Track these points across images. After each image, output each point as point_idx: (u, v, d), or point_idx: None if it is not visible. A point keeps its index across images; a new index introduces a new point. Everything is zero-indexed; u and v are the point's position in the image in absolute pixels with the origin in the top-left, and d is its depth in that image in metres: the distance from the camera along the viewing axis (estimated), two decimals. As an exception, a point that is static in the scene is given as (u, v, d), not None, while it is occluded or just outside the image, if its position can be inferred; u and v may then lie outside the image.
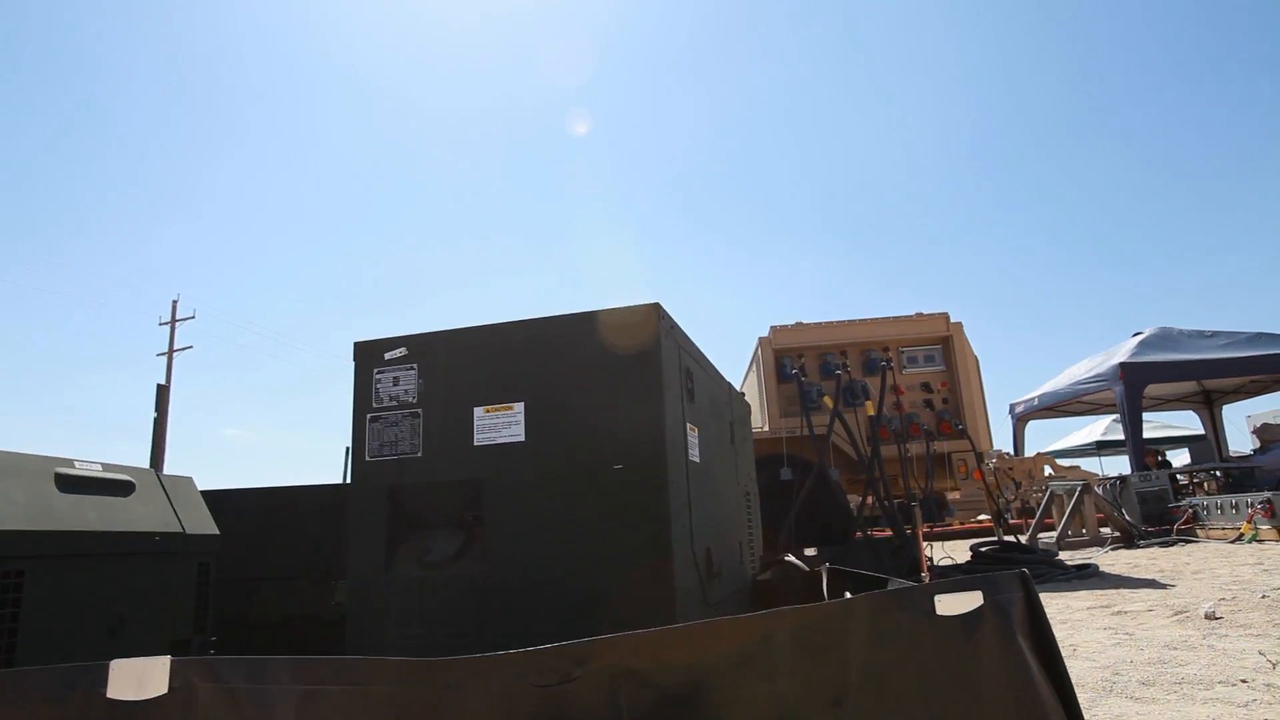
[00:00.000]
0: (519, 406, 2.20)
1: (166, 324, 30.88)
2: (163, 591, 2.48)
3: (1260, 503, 7.84)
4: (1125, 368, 10.42)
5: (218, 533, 2.66)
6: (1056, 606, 3.67)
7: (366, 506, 2.25)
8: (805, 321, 6.44)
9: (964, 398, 6.14)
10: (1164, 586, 4.23)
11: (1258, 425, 12.36)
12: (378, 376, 2.34)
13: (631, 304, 2.21)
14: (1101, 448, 21.85)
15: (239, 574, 3.25)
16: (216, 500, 3.34)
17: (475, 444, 2.20)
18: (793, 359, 6.33)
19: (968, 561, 5.21)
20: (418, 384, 2.30)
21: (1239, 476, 10.27)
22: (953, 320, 6.33)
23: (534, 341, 2.25)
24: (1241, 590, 3.72)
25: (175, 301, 31.12)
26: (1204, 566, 5.27)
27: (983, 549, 5.54)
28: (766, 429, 6.22)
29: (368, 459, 2.29)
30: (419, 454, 2.25)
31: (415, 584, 2.16)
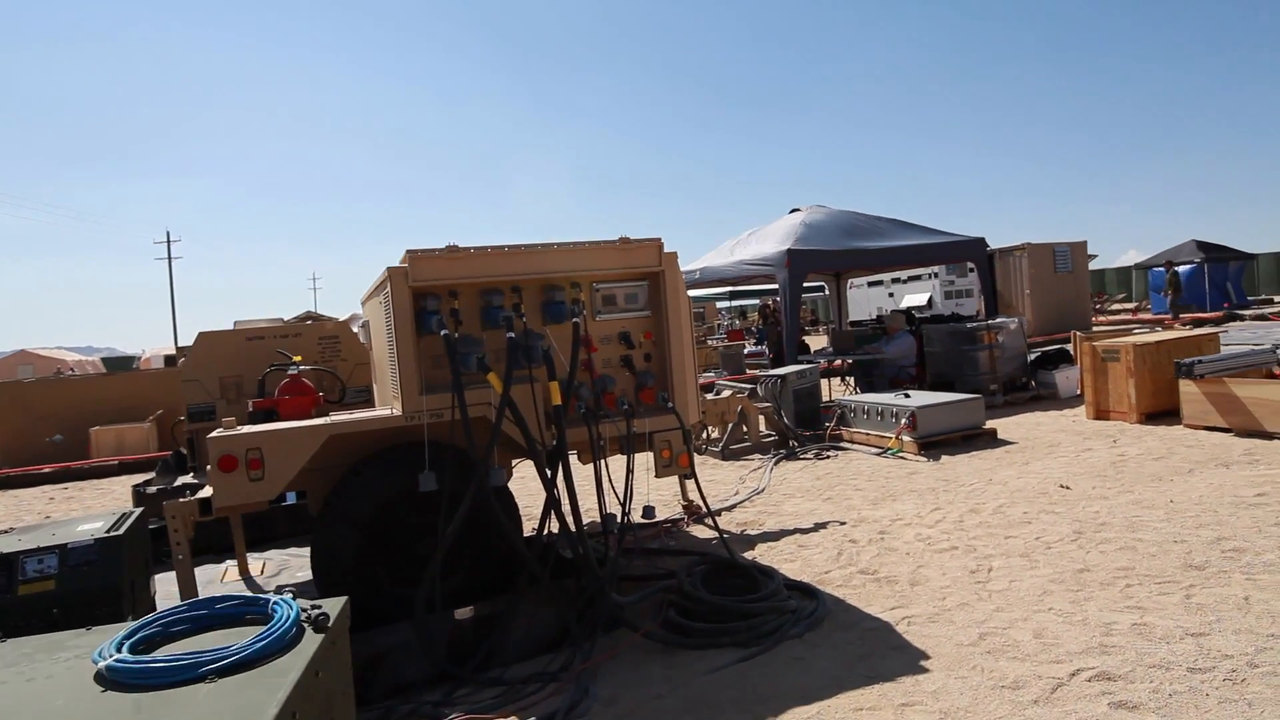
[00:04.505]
0: None
1: None
2: None
3: (907, 417, 7.98)
4: (792, 255, 10.04)
5: None
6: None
7: None
8: (460, 245, 4.17)
9: (673, 355, 4.57)
10: (920, 668, 3.26)
11: (884, 311, 13.47)
12: None
13: None
14: (734, 296, 23.49)
15: None
16: None
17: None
18: (442, 300, 4.11)
19: (665, 613, 3.86)
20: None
21: (866, 365, 10.85)
22: (666, 250, 4.59)
23: None
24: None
25: None
26: (901, 547, 4.58)
27: (690, 583, 4.21)
28: (397, 410, 4.06)
29: None
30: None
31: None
